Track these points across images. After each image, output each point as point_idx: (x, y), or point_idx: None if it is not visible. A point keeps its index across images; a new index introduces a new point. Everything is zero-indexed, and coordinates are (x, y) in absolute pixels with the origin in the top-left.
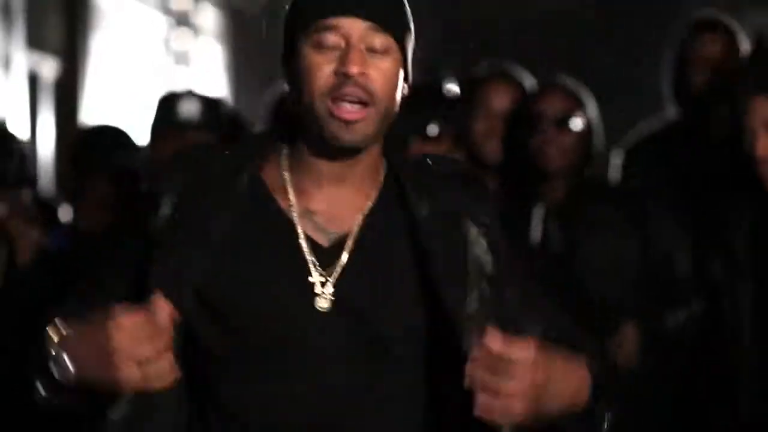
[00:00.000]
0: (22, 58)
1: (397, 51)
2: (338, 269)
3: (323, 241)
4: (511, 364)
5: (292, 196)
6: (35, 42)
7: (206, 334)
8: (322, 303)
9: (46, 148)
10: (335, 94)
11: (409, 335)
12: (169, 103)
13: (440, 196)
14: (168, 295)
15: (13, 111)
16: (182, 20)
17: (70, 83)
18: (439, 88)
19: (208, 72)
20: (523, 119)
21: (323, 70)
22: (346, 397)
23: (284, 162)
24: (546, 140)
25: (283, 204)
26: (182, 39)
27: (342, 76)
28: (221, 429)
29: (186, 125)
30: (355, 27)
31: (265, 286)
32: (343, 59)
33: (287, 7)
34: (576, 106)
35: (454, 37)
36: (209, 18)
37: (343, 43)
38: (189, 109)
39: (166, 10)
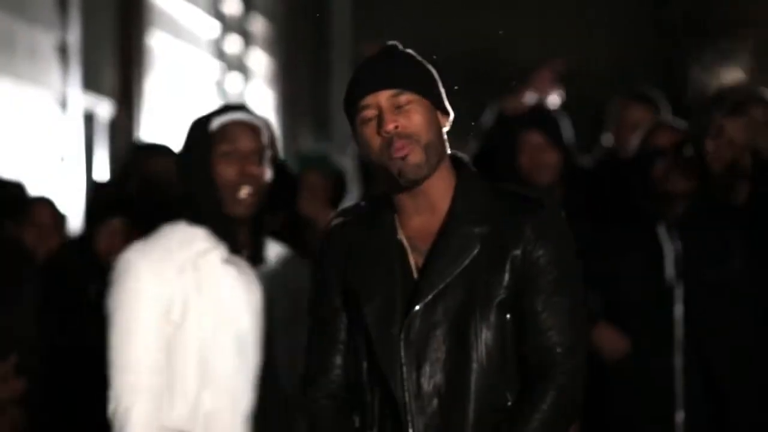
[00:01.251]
0: (78, 99)
1: (422, 99)
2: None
3: (418, 259)
4: None
5: (399, 229)
6: (91, 84)
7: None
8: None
9: None
10: (388, 150)
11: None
12: None
13: (483, 216)
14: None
15: (69, 150)
16: (234, 64)
17: (125, 124)
18: None
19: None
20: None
21: (373, 137)
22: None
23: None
24: (670, 166)
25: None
26: (234, 82)
27: (384, 135)
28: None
29: None
30: (381, 97)
31: (390, 298)
32: (380, 122)
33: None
34: (686, 137)
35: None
36: (260, 62)
37: (377, 112)
38: None
39: (219, 54)
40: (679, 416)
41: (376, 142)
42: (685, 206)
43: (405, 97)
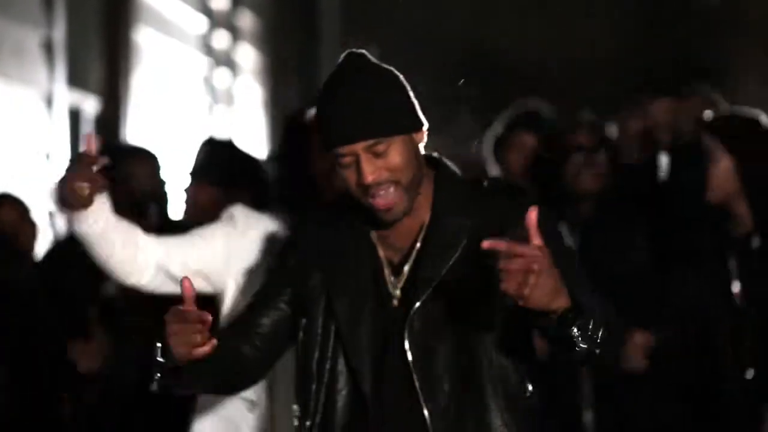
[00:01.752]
0: (64, 96)
1: (400, 136)
2: (404, 277)
3: (393, 256)
4: (523, 256)
5: (371, 230)
6: (77, 80)
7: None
8: (395, 302)
9: None
10: (367, 197)
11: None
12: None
13: (467, 209)
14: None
15: (55, 147)
16: (222, 59)
17: (112, 121)
18: None
19: (247, 110)
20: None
21: (351, 181)
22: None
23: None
24: (583, 165)
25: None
26: (222, 77)
27: (364, 186)
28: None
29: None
30: (357, 148)
31: (359, 291)
32: (359, 172)
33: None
34: (602, 138)
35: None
36: (248, 57)
37: (354, 159)
38: None
39: (207, 50)
40: (588, 416)
41: (354, 187)
42: (591, 206)
43: (383, 146)
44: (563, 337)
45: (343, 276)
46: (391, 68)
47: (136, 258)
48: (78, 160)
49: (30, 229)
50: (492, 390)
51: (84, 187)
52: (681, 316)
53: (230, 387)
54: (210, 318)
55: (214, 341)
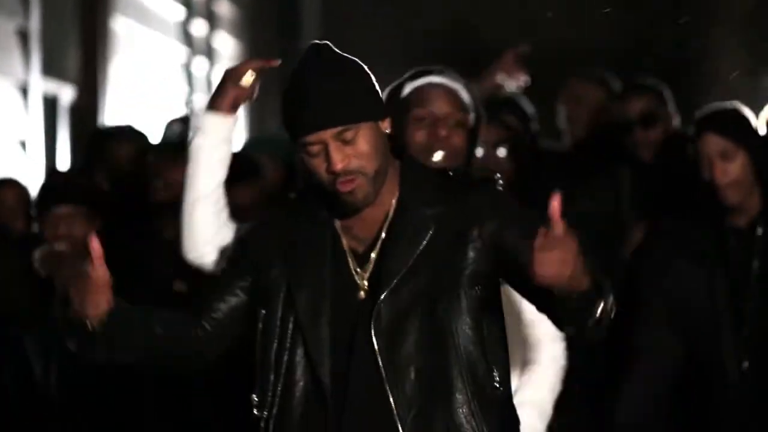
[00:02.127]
0: (39, 85)
1: (367, 123)
2: (370, 267)
3: (358, 247)
4: (557, 238)
5: (335, 219)
6: (53, 69)
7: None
8: (362, 293)
9: None
10: (334, 184)
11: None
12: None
13: (433, 199)
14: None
15: (30, 137)
16: (200, 48)
17: (88, 109)
18: None
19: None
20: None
21: (320, 169)
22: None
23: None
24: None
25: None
26: (200, 65)
27: (333, 173)
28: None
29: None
30: (325, 136)
31: (320, 282)
32: (328, 159)
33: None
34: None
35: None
36: (227, 45)
37: (323, 147)
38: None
39: (185, 38)
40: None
41: (322, 175)
42: None
43: (350, 133)
44: (584, 312)
45: (304, 267)
46: (355, 58)
47: (214, 225)
48: (249, 59)
49: (28, 215)
50: (460, 379)
51: (251, 74)
52: (683, 310)
53: (168, 362)
54: (106, 273)
55: (109, 293)
